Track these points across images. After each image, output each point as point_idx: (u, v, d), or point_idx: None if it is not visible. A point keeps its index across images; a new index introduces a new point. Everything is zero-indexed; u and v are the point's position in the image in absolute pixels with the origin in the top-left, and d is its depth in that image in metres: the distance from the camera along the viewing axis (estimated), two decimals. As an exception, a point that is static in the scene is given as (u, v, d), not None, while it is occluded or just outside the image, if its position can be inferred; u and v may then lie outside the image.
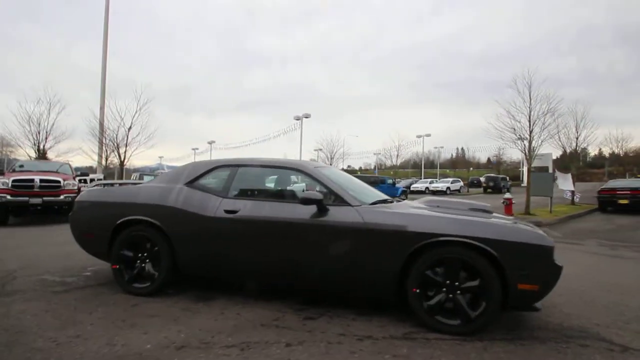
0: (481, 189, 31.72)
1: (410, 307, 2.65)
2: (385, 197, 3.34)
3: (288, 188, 3.30)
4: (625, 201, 12.06)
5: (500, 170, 47.39)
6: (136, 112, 12.84)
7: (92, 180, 13.75)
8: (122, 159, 12.60)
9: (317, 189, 3.06)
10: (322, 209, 2.80)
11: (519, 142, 11.44)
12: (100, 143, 13.97)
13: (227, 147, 48.99)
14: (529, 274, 2.47)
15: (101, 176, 14.11)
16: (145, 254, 3.26)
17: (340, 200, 2.87)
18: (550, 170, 12.78)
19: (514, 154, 48.94)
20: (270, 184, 3.38)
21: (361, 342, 2.38)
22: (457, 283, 2.57)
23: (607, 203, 12.82)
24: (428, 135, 37.96)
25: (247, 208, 3.00)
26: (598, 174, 45.13)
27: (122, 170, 13.84)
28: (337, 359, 2.16)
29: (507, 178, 32.97)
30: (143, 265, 3.26)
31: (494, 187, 29.39)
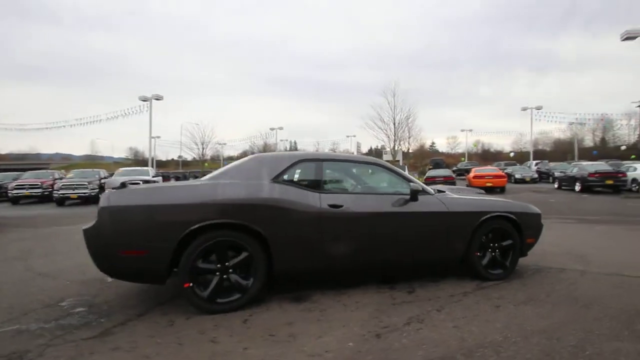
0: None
1: (472, 265, 3.53)
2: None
3: (375, 181, 3.53)
4: (441, 185, 17.21)
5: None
6: None
7: None
8: None
9: (393, 181, 3.48)
10: (416, 199, 3.29)
11: (386, 139, 14.48)
12: None
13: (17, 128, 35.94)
14: (532, 232, 3.82)
15: None
16: (227, 263, 2.81)
17: (422, 191, 3.42)
18: (401, 164, 16.62)
19: (343, 147, 58.27)
20: (355, 178, 3.49)
21: (468, 297, 3.10)
22: (494, 244, 3.64)
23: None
24: (281, 128, 40.11)
25: (349, 202, 3.11)
26: (395, 165, 60.46)
27: None
28: (480, 309, 2.80)
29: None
30: (225, 276, 2.81)
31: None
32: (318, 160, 3.26)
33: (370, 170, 3.56)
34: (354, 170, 3.54)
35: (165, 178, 21.53)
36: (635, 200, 11.75)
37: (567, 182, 16.16)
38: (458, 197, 3.64)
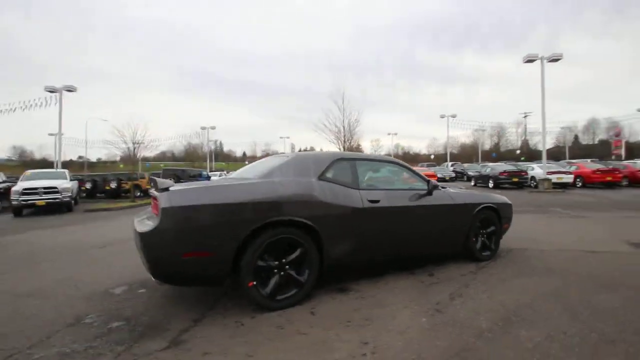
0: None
1: (470, 249, 4.14)
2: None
3: (396, 178, 3.85)
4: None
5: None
6: None
7: None
8: None
9: (405, 176, 3.90)
10: (432, 194, 3.76)
11: (335, 141, 15.15)
12: None
13: None
14: (507, 219, 4.63)
15: None
16: (284, 260, 2.87)
17: (436, 187, 3.90)
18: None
19: (274, 148, 58.34)
20: (381, 175, 3.78)
21: (477, 275, 3.68)
22: (483, 230, 4.34)
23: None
24: (213, 127, 38.01)
25: (383, 197, 3.41)
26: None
27: None
28: (493, 283, 3.37)
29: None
30: (282, 273, 2.87)
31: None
32: (351, 160, 3.50)
33: (391, 168, 3.92)
34: (379, 168, 3.86)
35: (81, 182, 18.91)
36: (537, 194, 14.45)
37: (481, 180, 18.95)
38: (458, 191, 4.24)
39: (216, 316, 2.73)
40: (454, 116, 32.71)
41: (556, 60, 16.11)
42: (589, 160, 22.98)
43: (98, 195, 19.98)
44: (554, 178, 16.07)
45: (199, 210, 2.57)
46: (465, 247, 4.14)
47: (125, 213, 11.83)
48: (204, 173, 20.47)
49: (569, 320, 2.49)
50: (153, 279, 2.67)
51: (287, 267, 2.89)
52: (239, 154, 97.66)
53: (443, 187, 4.25)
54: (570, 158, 33.20)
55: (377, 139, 75.46)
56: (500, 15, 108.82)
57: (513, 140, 60.22)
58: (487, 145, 59.52)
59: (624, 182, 16.61)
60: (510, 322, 2.49)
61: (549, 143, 52.65)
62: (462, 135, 62.79)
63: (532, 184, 17.09)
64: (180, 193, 2.61)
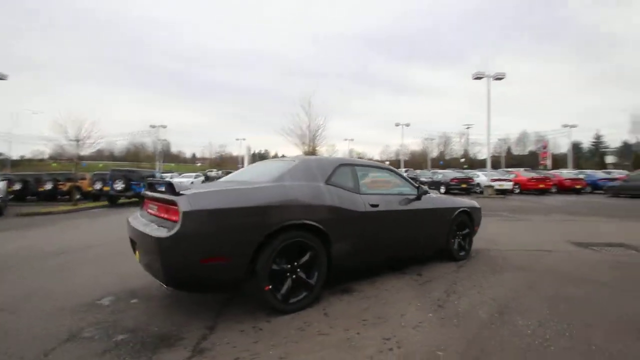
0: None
1: (449, 250, 4.51)
2: None
3: (391, 183, 4.04)
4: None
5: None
6: None
7: None
8: None
9: (397, 181, 4.14)
10: (420, 199, 4.04)
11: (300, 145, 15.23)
12: None
13: None
14: (477, 222, 5.10)
15: None
16: (295, 263, 2.91)
17: (425, 192, 4.19)
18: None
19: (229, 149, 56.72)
20: (374, 181, 3.93)
21: (459, 273, 4.02)
22: (459, 232, 4.75)
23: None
24: (164, 126, 35.66)
25: (381, 202, 3.59)
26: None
27: None
28: (478, 280, 3.72)
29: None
30: (294, 276, 2.90)
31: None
32: (352, 165, 3.64)
33: (385, 174, 4.13)
34: (375, 174, 4.04)
35: (10, 182, 16.77)
36: (483, 200, 15.89)
37: (434, 186, 20.28)
38: (439, 196, 4.60)
39: (229, 322, 2.68)
40: (407, 125, 34.88)
41: (500, 78, 18.03)
42: (522, 169, 25.78)
43: (29, 197, 17.85)
44: (497, 185, 17.83)
45: (220, 214, 2.52)
46: (445, 248, 4.49)
47: (67, 217, 10.75)
48: (157, 174, 19.24)
49: (551, 310, 2.87)
50: (164, 286, 2.55)
51: (298, 270, 2.93)
52: (188, 155, 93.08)
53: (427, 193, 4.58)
54: (505, 167, 36.88)
55: (332, 144, 77.30)
56: (446, 35, 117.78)
57: (457, 149, 65.34)
58: (435, 153, 63.84)
59: (554, 190, 18.96)
60: (505, 313, 2.80)
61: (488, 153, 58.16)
62: (412, 144, 66.75)
63: (477, 190, 18.75)
64: (200, 196, 2.53)
